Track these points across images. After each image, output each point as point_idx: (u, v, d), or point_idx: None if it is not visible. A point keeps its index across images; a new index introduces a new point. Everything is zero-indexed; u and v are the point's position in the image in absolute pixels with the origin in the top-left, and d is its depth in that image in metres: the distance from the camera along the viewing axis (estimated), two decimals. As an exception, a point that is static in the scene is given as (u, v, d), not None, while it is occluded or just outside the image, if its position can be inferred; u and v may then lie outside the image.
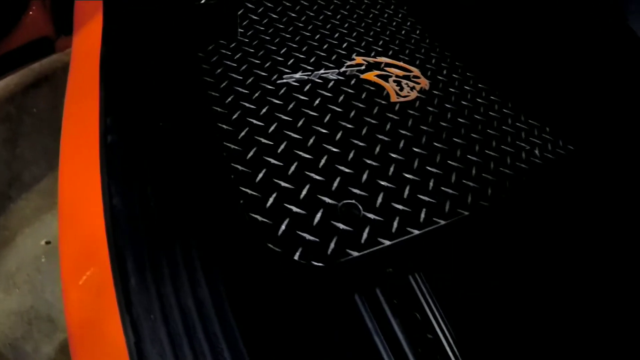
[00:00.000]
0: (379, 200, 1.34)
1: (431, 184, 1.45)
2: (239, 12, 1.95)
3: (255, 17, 1.96)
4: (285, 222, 1.21)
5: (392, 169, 1.45)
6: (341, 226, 1.24)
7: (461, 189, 1.47)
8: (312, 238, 1.19)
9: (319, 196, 1.29)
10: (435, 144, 1.60)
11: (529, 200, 1.57)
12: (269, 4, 2.07)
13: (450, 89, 1.89)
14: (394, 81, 1.82)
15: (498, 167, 1.60)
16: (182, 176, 1.10)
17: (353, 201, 1.31)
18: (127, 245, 0.90)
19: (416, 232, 1.30)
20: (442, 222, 1.35)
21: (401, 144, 1.54)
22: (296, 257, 1.15)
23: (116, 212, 0.94)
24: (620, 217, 1.53)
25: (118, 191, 0.97)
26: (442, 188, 1.45)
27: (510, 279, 1.29)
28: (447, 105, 1.79)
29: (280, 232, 1.19)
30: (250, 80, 1.62)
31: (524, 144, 1.75)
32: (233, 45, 1.76)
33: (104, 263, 0.91)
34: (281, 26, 1.95)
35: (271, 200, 1.25)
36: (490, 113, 1.84)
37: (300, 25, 2.00)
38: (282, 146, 1.40)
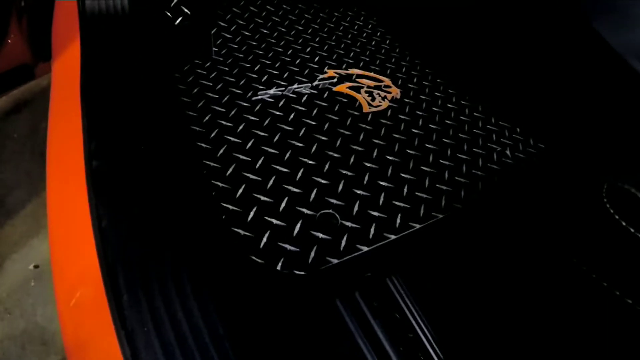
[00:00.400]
0: (356, 208, 1.41)
1: (405, 190, 1.52)
2: (213, 32, 2.02)
3: (229, 36, 2.03)
4: (267, 235, 1.28)
5: (367, 178, 1.52)
6: (320, 235, 1.31)
7: (435, 193, 1.55)
8: (293, 248, 1.26)
9: (298, 208, 1.36)
10: (408, 151, 1.67)
11: (502, 199, 1.64)
12: (241, 22, 2.14)
13: (421, 96, 1.97)
14: (366, 92, 1.89)
15: (470, 169, 1.68)
16: (166, 196, 1.16)
17: (331, 211, 1.38)
18: (117, 264, 0.96)
19: (392, 237, 1.37)
20: (417, 226, 1.42)
21: (375, 153, 1.61)
22: (279, 268, 1.22)
23: (105, 233, 1.00)
24: (591, 212, 1.60)
25: (106, 214, 1.03)
26: (417, 193, 1.52)
27: (485, 278, 1.36)
28: (418, 113, 1.87)
29: (262, 244, 1.25)
30: (226, 98, 1.68)
31: (495, 145, 1.83)
32: (208, 64, 1.83)
33: (97, 282, 0.97)
34: (254, 43, 2.02)
35: (252, 214, 1.31)
36: (461, 117, 1.92)
37: (273, 41, 2.07)
38: (260, 161, 1.47)
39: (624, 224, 0.84)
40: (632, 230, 0.83)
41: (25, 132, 2.58)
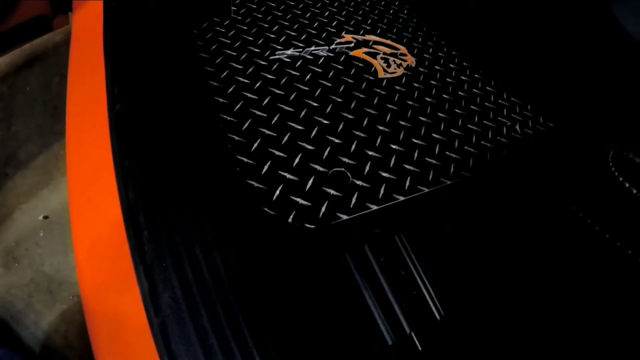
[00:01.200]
0: (367, 168, 1.47)
1: (416, 154, 1.57)
2: (231, -9, 2.06)
3: (247, -3, 2.07)
4: (280, 188, 1.33)
5: (379, 140, 1.57)
6: (332, 192, 1.36)
7: (444, 160, 1.60)
8: (304, 202, 1.32)
9: (311, 164, 1.42)
10: (420, 117, 1.72)
11: (509, 171, 1.69)
12: (260, -17, 2.18)
13: (436, 67, 2.01)
14: (382, 58, 1.93)
15: (480, 140, 1.73)
16: (186, 142, 1.21)
17: (343, 169, 1.44)
18: (139, 201, 1.02)
19: (401, 198, 1.42)
20: (426, 190, 1.48)
21: (388, 117, 1.66)
22: (290, 220, 1.27)
23: (128, 172, 1.06)
24: (596, 173, 1.65)
25: (129, 153, 1.09)
26: (426, 159, 1.58)
27: (488, 243, 1.41)
28: (432, 82, 1.91)
29: (274, 197, 1.31)
30: (244, 56, 1.73)
31: (505, 120, 1.87)
32: (227, 23, 1.87)
33: (117, 220, 1.03)
34: (273, 4, 2.06)
35: (266, 167, 1.37)
36: (474, 90, 1.97)
37: (292, 3, 2.11)
38: (276, 118, 1.52)
39: (627, 185, 0.88)
40: (635, 191, 0.88)
41: (38, 86, 2.63)
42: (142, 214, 1.00)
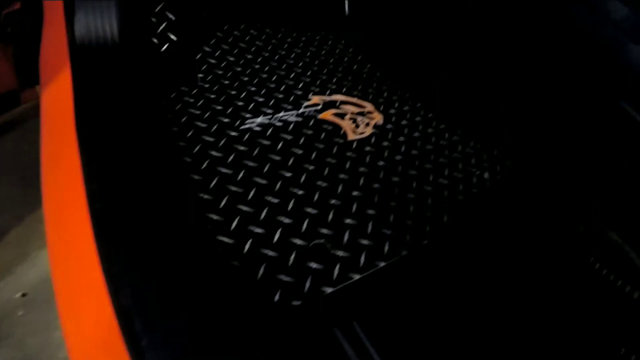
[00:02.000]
0: (346, 237, 1.53)
1: (391, 217, 1.64)
2: (197, 57, 2.12)
3: (214, 61, 2.13)
4: (263, 267, 1.38)
5: (354, 207, 1.64)
6: (314, 265, 1.42)
7: (419, 219, 1.67)
8: (289, 279, 1.37)
9: (291, 239, 1.47)
10: (393, 178, 1.79)
11: (487, 221, 1.77)
12: (225, 47, 2.24)
13: (403, 122, 2.10)
14: (350, 118, 2.01)
15: (452, 194, 1.81)
16: (166, 231, 1.26)
17: (322, 240, 1.50)
18: (133, 308, 1.06)
19: (382, 264, 1.49)
20: (405, 252, 1.55)
21: (361, 181, 1.74)
22: (276, 299, 1.33)
23: (117, 279, 1.10)
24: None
25: (117, 259, 1.13)
26: (402, 220, 1.65)
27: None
28: (400, 139, 2.00)
29: (259, 276, 1.36)
30: (214, 127, 1.78)
31: (473, 169, 1.96)
32: (195, 92, 1.93)
33: (112, 326, 1.07)
34: (239, 69, 2.13)
35: (247, 246, 1.42)
36: (441, 142, 2.05)
37: (257, 67, 2.19)
38: (252, 193, 1.58)
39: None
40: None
41: (8, 156, 2.64)
42: (139, 322, 1.04)
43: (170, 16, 1.91)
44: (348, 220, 1.58)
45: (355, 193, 1.68)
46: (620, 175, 1.76)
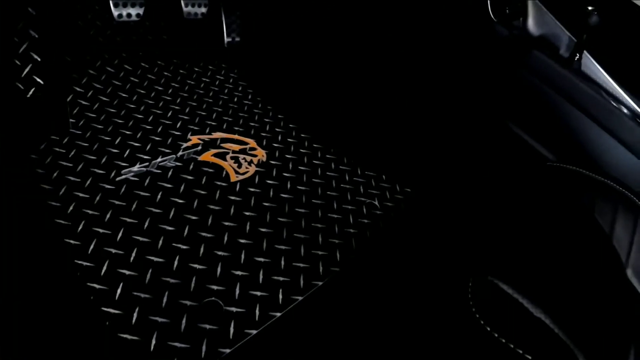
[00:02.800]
0: (237, 291, 1.52)
1: (282, 262, 1.65)
2: (69, 99, 2.05)
3: (86, 103, 2.08)
4: (155, 336, 1.35)
5: (243, 256, 1.63)
6: (207, 326, 1.40)
7: (312, 260, 1.68)
8: (183, 345, 1.35)
9: (180, 300, 1.45)
10: (280, 219, 1.80)
11: (377, 253, 1.80)
12: (99, 86, 2.19)
13: (287, 156, 2.11)
14: (232, 158, 2.00)
15: (342, 228, 1.83)
16: (44, 303, 1.21)
17: (213, 298, 1.48)
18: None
19: (277, 314, 1.49)
20: (300, 299, 1.55)
21: (247, 227, 1.73)
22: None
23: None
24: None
25: None
26: (294, 264, 1.65)
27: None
28: (285, 175, 2.00)
29: (152, 347, 1.33)
30: (89, 181, 1.73)
31: (363, 198, 1.99)
32: (66, 140, 1.86)
33: None
34: (113, 110, 2.08)
35: (135, 315, 1.38)
36: (328, 173, 2.08)
37: (132, 106, 2.14)
38: (134, 254, 1.54)
39: (488, 329, 0.98)
40: (496, 335, 0.97)
41: None
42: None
43: (36, 57, 1.83)
44: (238, 272, 1.57)
45: (242, 241, 1.67)
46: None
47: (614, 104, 1.61)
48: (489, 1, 1.73)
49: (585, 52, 1.64)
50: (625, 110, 1.62)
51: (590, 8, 1.55)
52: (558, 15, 1.70)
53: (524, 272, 1.15)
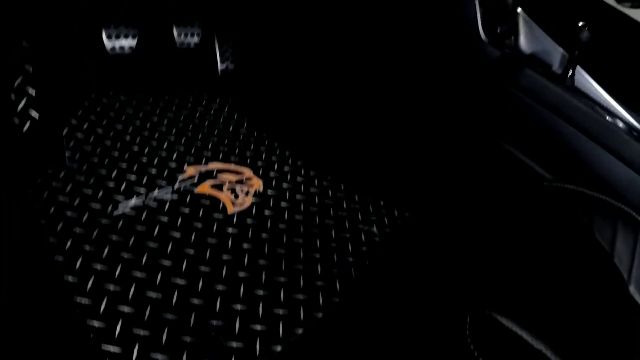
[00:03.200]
0: (237, 326, 1.52)
1: (282, 294, 1.64)
2: (64, 133, 2.06)
3: (81, 136, 2.09)
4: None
5: (242, 289, 1.62)
6: (208, 364, 1.40)
7: (311, 291, 1.68)
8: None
9: (181, 337, 1.44)
10: (279, 250, 1.80)
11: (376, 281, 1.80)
12: (94, 118, 2.21)
13: (283, 185, 2.11)
14: (229, 189, 2.01)
15: (341, 257, 1.83)
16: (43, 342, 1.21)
17: (213, 333, 1.48)
18: None
19: (278, 348, 1.49)
20: (300, 331, 1.55)
21: (246, 260, 1.73)
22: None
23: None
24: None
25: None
26: (294, 295, 1.65)
27: None
28: (282, 205, 2.01)
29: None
30: (86, 216, 1.73)
31: (361, 225, 2.00)
32: (62, 174, 1.88)
33: None
34: (108, 143, 2.09)
35: (135, 353, 1.38)
36: (326, 201, 2.08)
37: (128, 138, 2.15)
38: (132, 290, 1.54)
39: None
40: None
41: None
42: None
43: (31, 91, 1.83)
44: (237, 306, 1.57)
45: (241, 274, 1.67)
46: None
47: (610, 118, 1.62)
48: (479, 21, 1.73)
49: (578, 67, 1.64)
50: (621, 125, 1.62)
51: (581, 24, 1.56)
52: (550, 31, 1.71)
53: (523, 302, 1.15)
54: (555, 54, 1.69)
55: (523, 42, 1.71)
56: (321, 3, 2.26)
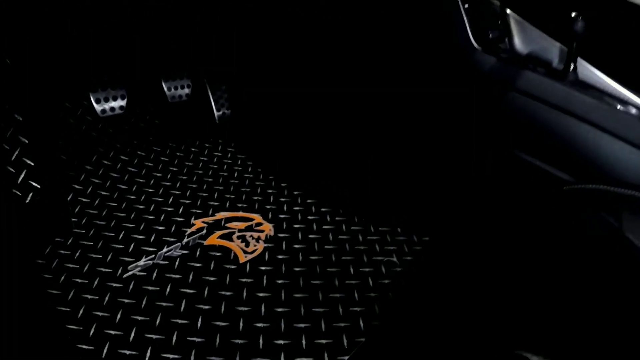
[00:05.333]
0: (258, 380, 1.48)
1: (303, 341, 1.60)
2: (69, 198, 2.04)
3: (86, 200, 2.09)
4: None
5: (261, 341, 1.58)
6: None
7: (334, 333, 1.63)
8: None
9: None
10: (295, 295, 1.75)
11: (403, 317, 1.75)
12: (97, 180, 2.20)
13: (295, 226, 2.08)
14: (238, 237, 1.97)
15: (363, 292, 1.78)
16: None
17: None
18: None
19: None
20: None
21: (263, 309, 1.68)
22: None
23: None
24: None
25: None
26: (316, 341, 1.60)
27: None
28: (295, 247, 1.96)
29: None
30: (96, 282, 1.72)
31: (380, 257, 1.95)
32: (70, 241, 1.86)
33: None
34: (114, 204, 2.09)
35: None
36: (340, 237, 2.04)
37: (133, 197, 2.14)
38: (148, 354, 1.50)
39: None
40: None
41: None
42: None
43: (29, 162, 1.83)
44: (257, 359, 1.52)
45: (259, 325, 1.63)
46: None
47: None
48: (469, 31, 1.69)
49: (579, 59, 1.59)
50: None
51: (574, 14, 1.51)
52: (543, 28, 1.66)
53: (557, 337, 1.09)
54: (553, 50, 1.64)
55: (518, 44, 1.67)
56: (310, 40, 2.25)
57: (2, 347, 1.34)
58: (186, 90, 2.64)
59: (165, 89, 2.57)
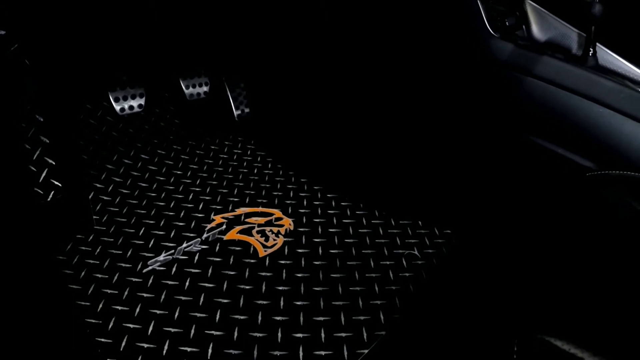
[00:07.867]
0: (276, 372, 1.48)
1: (322, 335, 1.59)
2: (90, 196, 2.07)
3: (107, 198, 2.11)
4: None
5: (280, 334, 1.58)
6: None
7: (354, 327, 1.63)
8: None
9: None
10: (315, 288, 1.75)
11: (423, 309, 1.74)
12: (118, 179, 2.23)
13: (315, 220, 2.08)
14: (258, 232, 1.98)
15: (383, 287, 1.77)
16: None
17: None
18: None
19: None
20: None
21: (282, 303, 1.69)
22: None
23: None
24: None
25: None
26: (335, 334, 1.60)
27: None
28: (315, 240, 1.96)
29: None
30: (116, 277, 1.73)
31: (401, 250, 1.94)
32: (91, 238, 1.88)
33: None
34: (134, 202, 2.11)
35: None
36: (360, 230, 2.03)
37: (153, 195, 2.16)
38: (166, 346, 1.51)
39: None
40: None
41: None
42: None
43: (50, 161, 1.85)
44: (276, 352, 1.53)
45: (278, 318, 1.63)
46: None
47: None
48: (485, 19, 1.68)
49: (598, 44, 1.57)
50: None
51: None
52: (561, 14, 1.65)
53: (581, 319, 1.08)
54: (572, 35, 1.63)
55: (536, 30, 1.65)
56: (326, 33, 2.25)
57: (23, 340, 1.36)
58: (204, 88, 2.66)
59: (184, 87, 2.59)
